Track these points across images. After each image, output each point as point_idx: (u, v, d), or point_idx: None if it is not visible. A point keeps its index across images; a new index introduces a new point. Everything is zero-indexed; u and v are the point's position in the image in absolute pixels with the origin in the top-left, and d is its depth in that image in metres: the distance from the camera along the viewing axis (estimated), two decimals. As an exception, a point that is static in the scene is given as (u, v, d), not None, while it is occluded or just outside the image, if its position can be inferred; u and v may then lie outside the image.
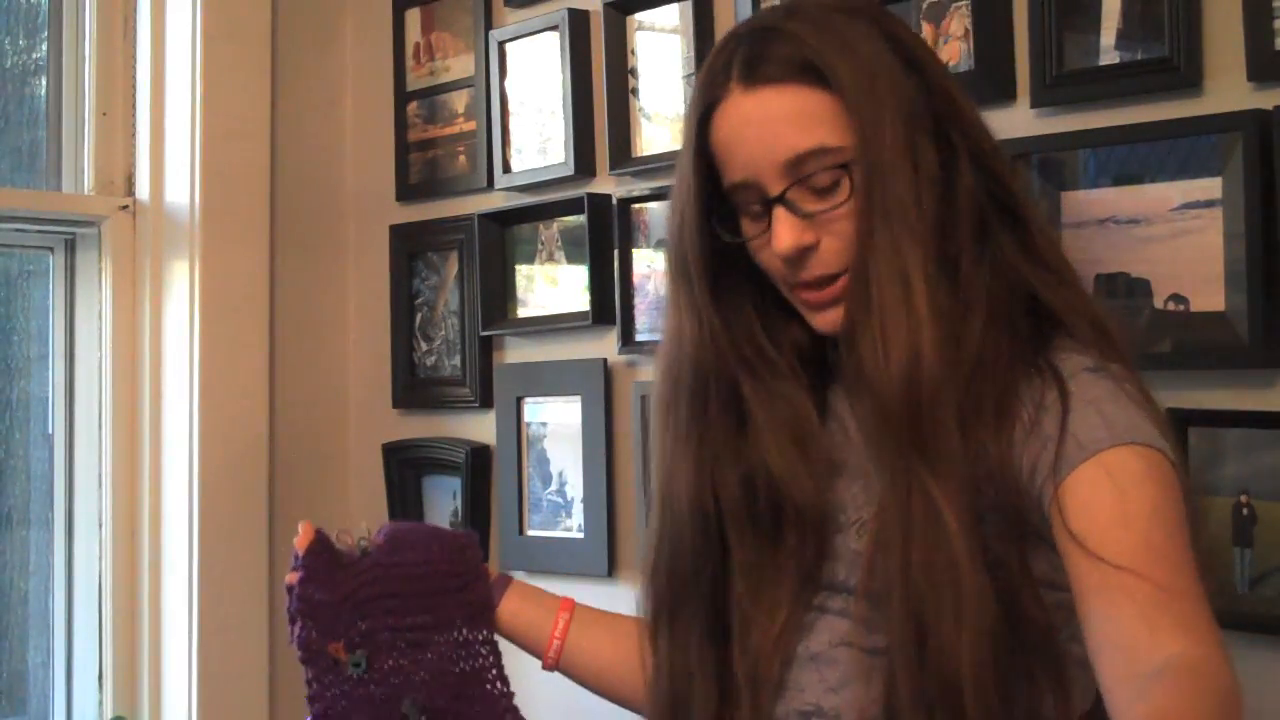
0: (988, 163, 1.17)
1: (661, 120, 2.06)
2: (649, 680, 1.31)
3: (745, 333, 1.23)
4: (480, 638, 1.35)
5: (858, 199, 1.13)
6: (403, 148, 2.44)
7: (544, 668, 1.41)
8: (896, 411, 1.10)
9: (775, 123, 1.15)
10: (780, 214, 1.16)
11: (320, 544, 1.33)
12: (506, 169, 2.26)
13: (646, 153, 2.07)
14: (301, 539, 1.33)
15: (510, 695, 1.35)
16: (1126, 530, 1.03)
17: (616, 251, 2.08)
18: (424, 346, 2.41)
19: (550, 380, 2.19)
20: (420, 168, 2.42)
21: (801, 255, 1.16)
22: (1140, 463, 1.06)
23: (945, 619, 1.06)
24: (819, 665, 1.19)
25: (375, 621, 1.32)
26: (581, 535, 2.14)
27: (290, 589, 1.34)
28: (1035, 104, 1.64)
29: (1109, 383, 1.11)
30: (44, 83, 2.38)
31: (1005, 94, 1.66)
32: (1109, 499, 1.04)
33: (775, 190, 1.16)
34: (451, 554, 1.37)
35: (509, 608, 1.38)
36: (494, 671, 1.35)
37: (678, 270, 1.24)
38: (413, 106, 2.43)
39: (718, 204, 1.22)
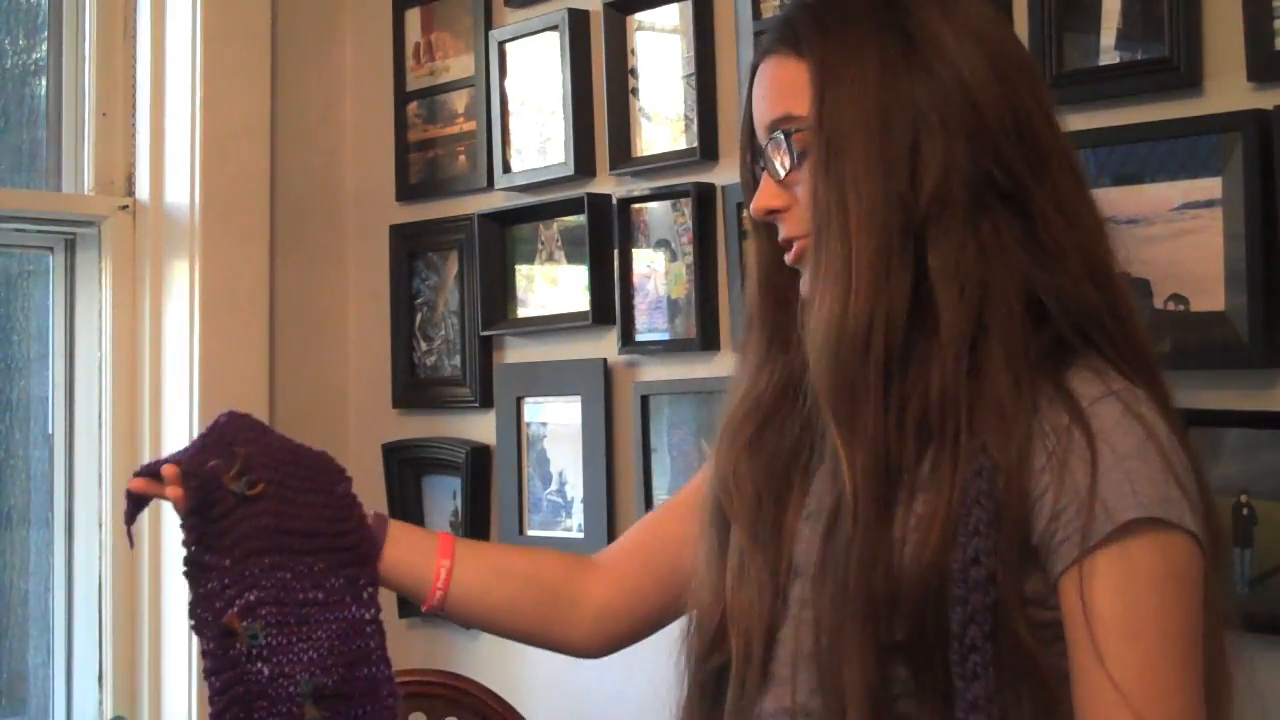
0: (1002, 151, 1.15)
1: (661, 120, 2.06)
2: (710, 585, 1.28)
3: (776, 268, 1.26)
4: (367, 616, 1.28)
5: (813, 164, 1.17)
6: (403, 148, 2.44)
7: (422, 610, 1.38)
8: (824, 378, 1.13)
9: (765, 89, 1.21)
10: (764, 177, 1.21)
11: (201, 500, 1.26)
12: (506, 169, 2.26)
13: (646, 153, 2.07)
14: (173, 492, 1.26)
15: (392, 678, 1.29)
16: (1133, 643, 1.06)
17: (616, 251, 2.09)
18: (424, 346, 2.41)
19: (550, 380, 2.19)
20: (420, 168, 2.42)
21: (771, 216, 1.21)
22: (1159, 559, 1.07)
23: (835, 588, 1.11)
24: (809, 664, 1.18)
25: (265, 593, 1.25)
26: (581, 535, 2.14)
27: (130, 495, 1.28)
28: (1035, 104, 1.64)
29: (1136, 428, 1.10)
30: (44, 83, 2.38)
31: (1005, 94, 1.66)
32: (1122, 598, 1.07)
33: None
34: (340, 516, 1.30)
35: (389, 559, 1.33)
36: (379, 653, 1.29)
37: None
38: (413, 106, 2.43)
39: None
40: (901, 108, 1.15)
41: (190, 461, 1.28)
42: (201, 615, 1.25)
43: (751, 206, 1.22)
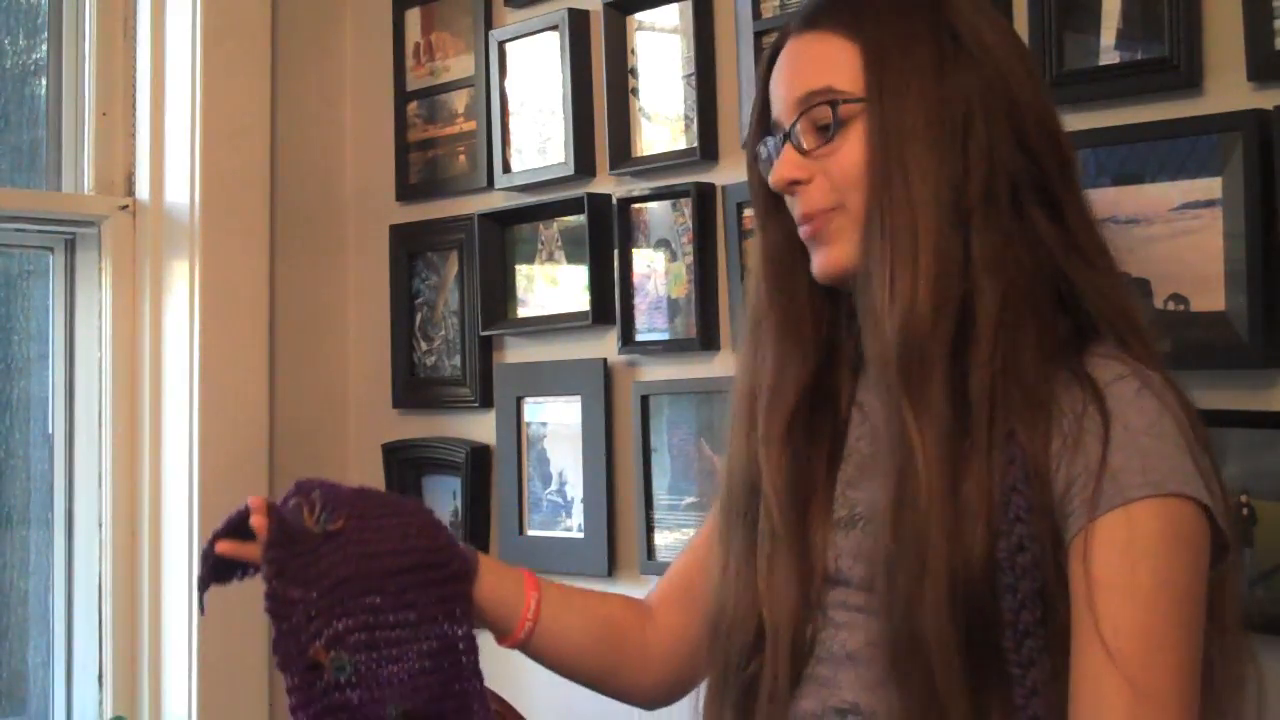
0: (1032, 144, 1.19)
1: (661, 120, 2.06)
2: (711, 593, 1.30)
3: (784, 257, 1.26)
4: (460, 633, 1.26)
5: (869, 144, 1.17)
6: (403, 148, 2.44)
7: (501, 645, 1.36)
8: (894, 354, 1.13)
9: (802, 63, 1.21)
10: (785, 148, 1.21)
11: (284, 534, 1.23)
12: (506, 169, 2.26)
13: (646, 153, 2.07)
14: (257, 521, 1.23)
15: (484, 694, 1.28)
16: (1129, 604, 1.06)
17: (616, 251, 2.09)
18: (424, 346, 2.41)
19: (550, 380, 2.19)
20: (420, 168, 2.43)
21: (791, 189, 1.21)
22: (1163, 523, 1.08)
23: (911, 562, 1.10)
24: (856, 665, 1.19)
25: (355, 620, 1.22)
26: (581, 535, 2.14)
27: (207, 558, 1.25)
28: (1035, 104, 1.64)
29: (1151, 404, 1.11)
30: (44, 83, 2.38)
31: (1005, 94, 1.66)
32: (1123, 561, 1.07)
33: (787, 126, 1.21)
34: (427, 535, 1.28)
35: (482, 585, 1.31)
36: (471, 668, 1.27)
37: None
38: (413, 106, 2.43)
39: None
40: (955, 99, 1.17)
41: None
42: (286, 651, 1.22)
43: (773, 177, 1.21)
